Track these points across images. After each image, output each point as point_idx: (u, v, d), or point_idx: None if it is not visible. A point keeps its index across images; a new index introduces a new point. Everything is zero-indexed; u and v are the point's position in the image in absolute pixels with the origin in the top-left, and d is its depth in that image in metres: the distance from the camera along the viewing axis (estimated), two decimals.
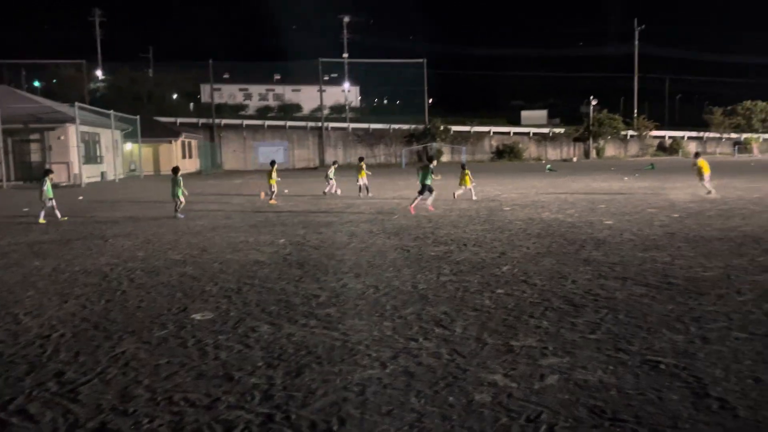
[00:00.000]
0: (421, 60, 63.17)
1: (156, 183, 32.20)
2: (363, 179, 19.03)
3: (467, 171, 17.91)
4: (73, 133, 30.69)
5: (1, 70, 62.06)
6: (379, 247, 9.03)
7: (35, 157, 31.38)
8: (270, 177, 18.11)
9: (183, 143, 47.64)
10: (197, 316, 5.33)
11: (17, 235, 11.38)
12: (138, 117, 41.48)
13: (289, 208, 15.84)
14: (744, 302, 5.35)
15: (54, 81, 70.00)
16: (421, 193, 14.06)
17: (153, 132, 43.98)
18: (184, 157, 47.70)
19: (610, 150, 64.98)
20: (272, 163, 19.14)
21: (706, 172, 16.80)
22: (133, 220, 13.69)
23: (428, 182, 14.01)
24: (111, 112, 36.97)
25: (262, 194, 19.46)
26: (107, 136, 36.74)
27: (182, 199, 14.14)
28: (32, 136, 31.36)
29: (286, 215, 13.93)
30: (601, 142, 63.53)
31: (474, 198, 17.27)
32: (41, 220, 13.26)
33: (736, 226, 10.19)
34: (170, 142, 45.11)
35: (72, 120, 30.79)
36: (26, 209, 16.74)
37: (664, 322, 4.84)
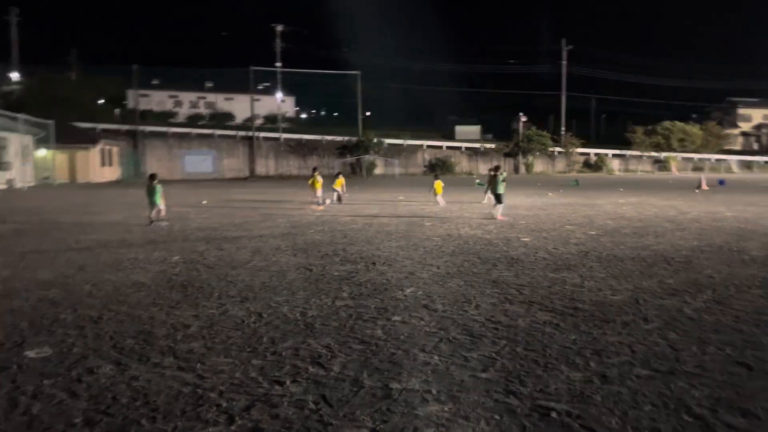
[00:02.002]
0: (356, 72, 62.96)
1: (69, 192, 30.19)
2: (339, 188, 20.52)
3: (440, 181, 19.69)
4: None
5: None
6: (281, 266, 8.33)
7: None
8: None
9: (102, 150, 45.25)
10: (31, 353, 4.48)
11: None
12: (52, 122, 39.06)
13: (200, 222, 14.86)
14: (649, 331, 5.00)
15: None
16: (498, 201, 14.65)
17: (70, 138, 41.49)
18: (103, 164, 45.34)
19: (539, 165, 66.57)
20: (314, 169, 21.14)
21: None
22: (19, 233, 12.40)
23: (500, 191, 14.60)
24: (20, 115, 34.54)
25: (320, 206, 18.78)
26: (16, 142, 34.28)
27: (162, 207, 13.55)
28: None
29: (192, 230, 12.98)
30: (530, 157, 64.99)
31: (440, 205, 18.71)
32: None
33: (649, 245, 10.10)
34: (87, 149, 42.70)
35: None
36: None
37: (564, 355, 4.39)
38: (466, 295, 6.41)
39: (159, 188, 13.62)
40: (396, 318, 5.47)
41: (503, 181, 14.98)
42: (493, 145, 65.52)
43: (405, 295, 6.42)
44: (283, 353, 4.48)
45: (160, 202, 13.57)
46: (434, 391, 3.71)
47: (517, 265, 8.19)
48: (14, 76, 69.36)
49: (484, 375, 4.00)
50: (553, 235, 11.65)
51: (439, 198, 19.29)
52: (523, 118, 62.79)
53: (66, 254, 9.41)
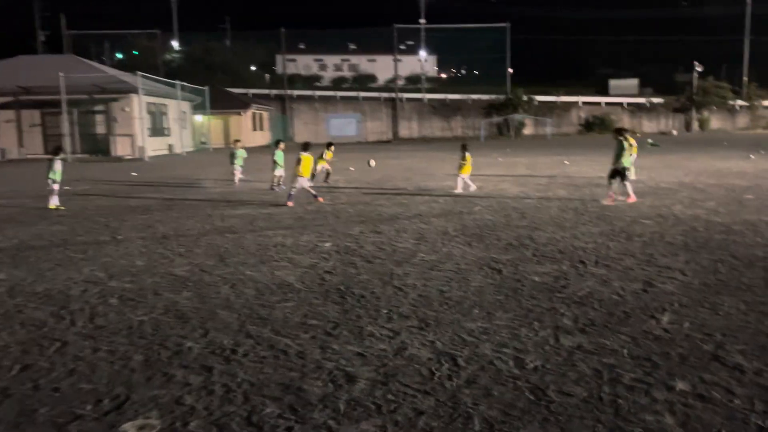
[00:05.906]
0: (504, 24, 58.79)
1: (223, 157, 30.73)
2: (324, 165, 15.64)
3: (468, 155, 12.72)
4: (137, 103, 29.56)
5: (86, 42, 62.76)
6: (457, 261, 6.44)
7: (100, 129, 30.56)
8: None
9: (253, 115, 46.31)
10: (131, 430, 2.97)
11: (22, 225, 9.58)
12: (207, 88, 40.26)
13: (350, 193, 13.44)
14: None
15: (135, 53, 70.49)
16: (620, 176, 10.62)
17: (223, 103, 42.72)
18: (254, 129, 46.44)
19: (716, 122, 58.54)
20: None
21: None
22: (169, 206, 11.70)
23: (626, 163, 10.58)
24: (177, 82, 35.76)
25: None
26: (175, 108, 35.62)
27: (279, 173, 14.07)
28: (97, 107, 30.48)
29: (342, 204, 11.53)
30: (705, 113, 57.27)
31: (457, 191, 12.57)
32: (51, 206, 11.30)
33: None
34: (239, 114, 43.80)
35: (136, 90, 29.63)
36: (67, 187, 15.25)
37: None
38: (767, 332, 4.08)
39: (279, 155, 13.94)
40: (681, 386, 3.33)
41: (627, 149, 10.56)
42: (660, 100, 58.48)
43: (664, 328, 4.23)
44: None
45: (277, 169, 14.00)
46: None
47: None
48: (174, 44, 73.63)
49: None
50: None
51: (460, 179, 12.69)
52: (699, 68, 55.08)
53: (207, 237, 8.25)
